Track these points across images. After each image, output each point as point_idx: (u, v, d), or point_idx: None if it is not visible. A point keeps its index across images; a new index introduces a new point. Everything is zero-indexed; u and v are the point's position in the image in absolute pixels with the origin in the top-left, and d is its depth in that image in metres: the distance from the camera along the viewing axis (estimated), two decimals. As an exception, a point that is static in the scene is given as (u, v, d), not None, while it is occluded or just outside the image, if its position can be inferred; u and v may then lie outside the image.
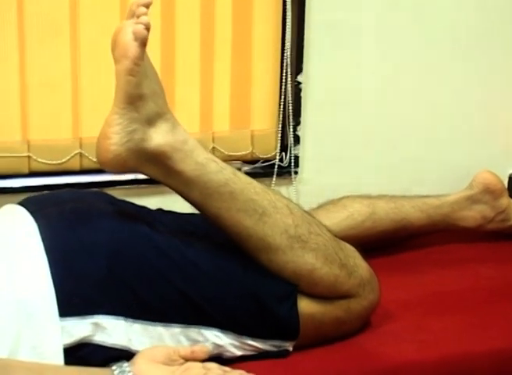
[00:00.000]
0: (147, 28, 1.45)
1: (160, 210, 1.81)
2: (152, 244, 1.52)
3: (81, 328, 1.43)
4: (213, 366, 1.44)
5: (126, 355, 1.44)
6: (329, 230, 1.63)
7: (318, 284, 1.57)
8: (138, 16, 1.47)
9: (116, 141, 1.47)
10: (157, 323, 1.48)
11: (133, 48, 1.45)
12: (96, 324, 1.44)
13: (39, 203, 1.63)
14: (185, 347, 1.47)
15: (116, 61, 1.48)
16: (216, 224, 1.56)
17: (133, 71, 1.45)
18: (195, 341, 1.50)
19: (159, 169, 1.52)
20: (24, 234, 1.50)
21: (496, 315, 1.81)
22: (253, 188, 1.55)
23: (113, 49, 1.49)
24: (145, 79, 1.48)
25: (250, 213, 1.53)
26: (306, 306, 1.57)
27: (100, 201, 1.67)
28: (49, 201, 1.64)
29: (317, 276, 1.56)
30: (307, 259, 1.55)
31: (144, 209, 1.76)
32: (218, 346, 1.52)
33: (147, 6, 1.48)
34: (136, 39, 1.45)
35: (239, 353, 1.54)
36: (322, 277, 1.57)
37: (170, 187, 1.55)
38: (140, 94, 1.48)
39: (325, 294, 1.59)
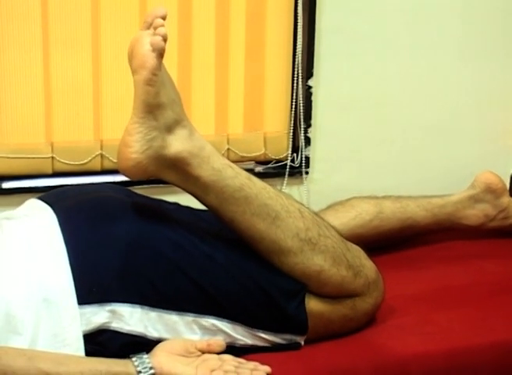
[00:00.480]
0: (165, 39, 1.46)
1: (176, 204, 1.83)
2: (168, 236, 1.54)
3: (99, 315, 1.46)
4: (228, 357, 1.48)
5: (142, 341, 1.49)
6: (337, 232, 1.65)
7: (326, 285, 1.60)
8: (155, 28, 1.47)
9: (137, 149, 1.49)
10: (172, 312, 1.50)
11: (151, 58, 1.45)
12: (113, 312, 1.47)
13: (58, 196, 1.67)
14: (201, 340, 1.50)
15: (134, 71, 1.48)
16: (230, 227, 1.58)
17: (152, 81, 1.46)
18: (207, 330, 1.53)
19: (178, 174, 1.54)
20: (44, 226, 1.54)
21: (499, 308, 1.83)
22: (267, 193, 1.57)
23: (130, 60, 1.49)
24: (163, 88, 1.49)
25: (263, 217, 1.55)
26: (315, 305, 1.60)
27: (117, 194, 1.69)
28: (68, 194, 1.67)
29: (325, 277, 1.59)
30: (316, 261, 1.58)
31: (160, 203, 1.78)
32: (229, 336, 1.54)
33: (164, 18, 1.48)
34: (154, 50, 1.45)
35: (250, 342, 1.57)
36: (330, 278, 1.59)
37: (187, 192, 1.57)
38: (159, 103, 1.49)
39: (333, 293, 1.62)
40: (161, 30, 1.47)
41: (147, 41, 1.47)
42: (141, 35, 1.48)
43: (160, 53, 1.47)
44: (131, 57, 1.50)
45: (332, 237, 1.62)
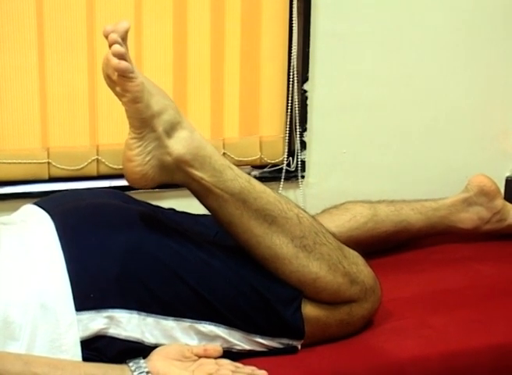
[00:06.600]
0: (122, 56, 1.43)
1: (172, 210, 1.84)
2: (165, 242, 1.54)
3: (97, 322, 1.46)
4: (225, 362, 1.48)
5: (139, 347, 1.48)
6: (335, 238, 1.65)
7: (322, 291, 1.60)
8: (110, 46, 1.44)
9: (139, 162, 1.50)
10: (169, 317, 1.51)
11: (124, 81, 1.45)
12: (111, 318, 1.47)
13: (55, 201, 1.67)
14: (198, 345, 1.51)
15: (119, 95, 1.48)
16: (227, 230, 1.59)
17: (138, 98, 1.46)
18: (205, 336, 1.53)
19: (184, 176, 1.54)
20: (41, 232, 1.54)
21: (496, 311, 1.84)
22: (266, 197, 1.57)
23: (111, 86, 1.49)
24: (151, 97, 1.49)
25: (260, 222, 1.56)
26: (311, 310, 1.61)
27: (114, 200, 1.70)
28: (65, 200, 1.67)
29: (320, 284, 1.59)
30: (312, 269, 1.58)
31: (157, 209, 1.79)
32: (226, 341, 1.54)
33: (118, 31, 1.44)
34: (119, 74, 1.44)
35: (248, 347, 1.57)
36: (326, 285, 1.60)
37: (192, 192, 1.57)
38: (153, 114, 1.49)
39: (329, 300, 1.62)
40: (114, 49, 1.44)
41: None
42: (108, 58, 1.45)
43: (126, 76, 1.44)
44: (110, 83, 1.50)
45: (329, 244, 1.62)
